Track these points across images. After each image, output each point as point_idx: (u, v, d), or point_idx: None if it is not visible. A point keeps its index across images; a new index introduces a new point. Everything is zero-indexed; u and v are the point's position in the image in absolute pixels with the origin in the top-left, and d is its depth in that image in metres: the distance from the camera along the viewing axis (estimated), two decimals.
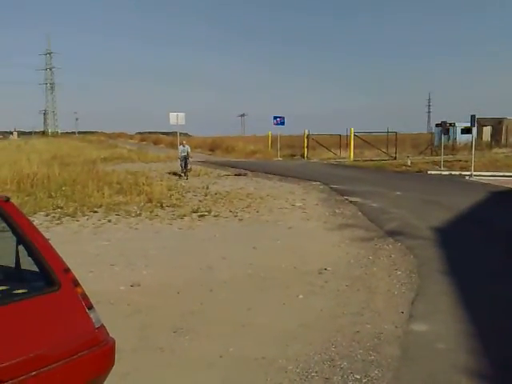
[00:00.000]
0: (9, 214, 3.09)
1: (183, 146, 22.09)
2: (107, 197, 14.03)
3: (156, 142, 62.52)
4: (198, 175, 21.79)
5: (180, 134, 33.69)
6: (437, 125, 39.52)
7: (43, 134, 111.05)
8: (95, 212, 12.21)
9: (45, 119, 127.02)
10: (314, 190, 17.01)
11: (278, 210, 12.82)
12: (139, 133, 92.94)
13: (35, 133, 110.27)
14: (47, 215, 11.62)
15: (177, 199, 14.36)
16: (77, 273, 3.19)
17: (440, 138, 32.01)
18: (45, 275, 3.00)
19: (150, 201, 13.69)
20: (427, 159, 30.70)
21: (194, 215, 11.95)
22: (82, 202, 13.32)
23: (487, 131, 42.53)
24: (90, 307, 3.05)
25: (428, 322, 5.39)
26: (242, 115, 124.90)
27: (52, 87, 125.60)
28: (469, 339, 4.90)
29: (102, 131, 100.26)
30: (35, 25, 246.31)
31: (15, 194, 13.22)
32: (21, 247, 3.14)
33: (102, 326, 3.07)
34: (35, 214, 11.48)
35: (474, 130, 23.71)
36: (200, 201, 14.28)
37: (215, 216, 11.93)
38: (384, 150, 35.07)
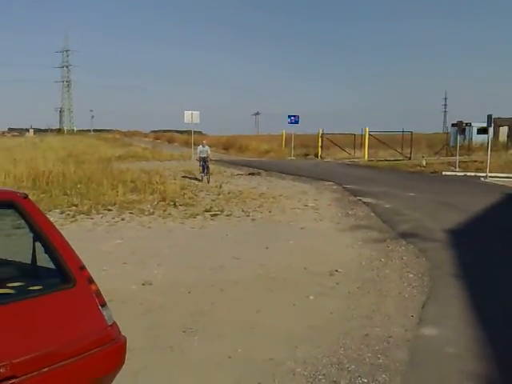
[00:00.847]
0: (27, 211, 3.14)
1: (203, 146, 19.97)
2: (121, 195, 14.15)
3: (170, 141, 62.79)
4: (212, 174, 21.84)
5: (194, 132, 33.91)
6: (453, 125, 39.17)
7: (59, 131, 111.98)
8: (109, 210, 12.33)
9: (61, 117, 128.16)
10: (327, 191, 16.98)
11: (290, 210, 12.82)
12: (153, 131, 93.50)
13: (51, 130, 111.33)
14: (62, 213, 11.76)
15: (190, 198, 14.44)
16: (89, 270, 3.24)
17: (456, 138, 31.73)
18: (60, 272, 3.05)
19: (164, 199, 13.79)
20: (442, 160, 30.43)
21: (207, 214, 12.01)
22: (97, 199, 13.44)
23: (504, 131, 41.99)
24: (104, 304, 3.09)
25: (438, 326, 5.37)
26: (256, 114, 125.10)
27: (68, 85, 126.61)
28: (479, 345, 4.87)
29: (117, 129, 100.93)
30: (53, 23, 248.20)
31: (31, 190, 13.39)
32: (37, 244, 3.19)
33: (114, 324, 3.12)
34: (50, 211, 11.61)
35: (491, 130, 23.43)
36: (213, 200, 14.34)
37: (227, 215, 11.97)
38: (399, 150, 34.85)
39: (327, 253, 8.58)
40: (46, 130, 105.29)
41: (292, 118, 37.01)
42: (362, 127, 35.90)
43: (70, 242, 3.28)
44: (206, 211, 12.36)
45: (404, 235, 9.91)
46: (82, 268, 3.13)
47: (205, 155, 19.52)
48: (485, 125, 24.14)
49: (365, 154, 33.97)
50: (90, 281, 3.14)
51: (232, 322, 5.42)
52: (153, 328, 5.20)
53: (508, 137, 41.72)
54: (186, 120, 31.19)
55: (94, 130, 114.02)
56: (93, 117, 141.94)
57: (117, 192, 14.47)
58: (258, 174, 22.39)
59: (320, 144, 36.11)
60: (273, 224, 11.15)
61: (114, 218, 11.41)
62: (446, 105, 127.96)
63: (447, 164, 26.97)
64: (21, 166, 18.79)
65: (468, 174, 23.21)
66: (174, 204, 13.27)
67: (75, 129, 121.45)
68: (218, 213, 12.21)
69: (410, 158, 32.19)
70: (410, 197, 15.56)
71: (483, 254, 8.64)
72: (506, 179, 20.63)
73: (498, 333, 5.21)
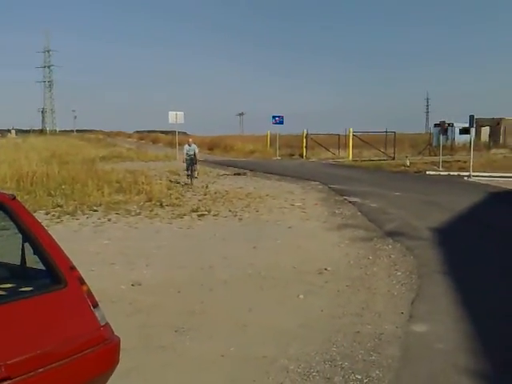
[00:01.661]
0: (15, 212, 3.10)
1: (189, 145, 18.50)
2: (107, 195, 14.04)
3: (155, 141, 62.55)
4: (197, 174, 21.78)
5: (179, 132, 33.81)
6: (435, 125, 39.65)
7: (41, 132, 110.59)
8: (95, 211, 12.22)
9: (43, 117, 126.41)
10: (313, 190, 17.05)
11: (277, 210, 12.85)
12: (138, 131, 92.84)
13: (33, 131, 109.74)
14: (47, 213, 11.63)
15: (176, 198, 14.38)
16: None
17: (438, 139, 32.17)
18: (51, 273, 3.02)
19: (150, 200, 13.71)
20: (426, 159, 30.76)
21: (194, 214, 11.97)
22: (82, 200, 13.32)
23: (485, 132, 42.65)
24: (96, 305, 3.07)
25: (428, 322, 5.42)
26: (241, 114, 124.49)
27: (50, 85, 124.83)
28: (468, 340, 4.93)
29: (101, 130, 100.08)
30: (34, 23, 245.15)
31: (15, 192, 13.11)
32: (27, 245, 3.15)
33: (107, 324, 3.09)
34: (35, 212, 11.45)
35: (473, 130, 23.76)
36: (199, 200, 14.30)
37: (215, 215, 11.95)
38: (382, 150, 35.16)
39: (315, 251, 8.61)
40: (28, 131, 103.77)
41: (276, 118, 37.10)
42: (346, 128, 36.17)
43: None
44: (193, 211, 12.32)
45: (391, 234, 9.99)
46: (73, 268, 3.11)
47: (192, 154, 18.26)
48: (467, 125, 24.49)
49: (349, 154, 34.20)
50: (81, 281, 3.11)
51: (223, 321, 5.41)
52: (144, 328, 5.17)
53: (490, 137, 42.40)
54: (170, 120, 31.05)
55: (77, 131, 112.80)
56: (75, 117, 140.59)
57: (102, 192, 14.36)
58: (244, 174, 22.42)
59: (305, 144, 36.27)
60: (260, 223, 11.16)
61: (100, 219, 11.32)
62: (428, 105, 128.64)
63: (430, 164, 27.27)
64: (4, 166, 18.53)
65: (451, 173, 23.50)
66: (161, 204, 13.21)
67: (58, 129, 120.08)
68: (205, 213, 12.18)
69: (393, 158, 32.48)
70: (396, 196, 15.70)
71: (469, 252, 8.75)
72: (489, 178, 20.92)
73: (486, 328, 5.28)
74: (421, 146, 38.04)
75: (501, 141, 41.98)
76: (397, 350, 4.68)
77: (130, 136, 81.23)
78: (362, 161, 31.79)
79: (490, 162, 26.83)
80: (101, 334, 3.02)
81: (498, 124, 43.06)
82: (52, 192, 14.46)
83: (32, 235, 3.10)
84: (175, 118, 30.83)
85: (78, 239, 9.16)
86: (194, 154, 18.29)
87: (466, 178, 21.41)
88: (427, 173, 23.97)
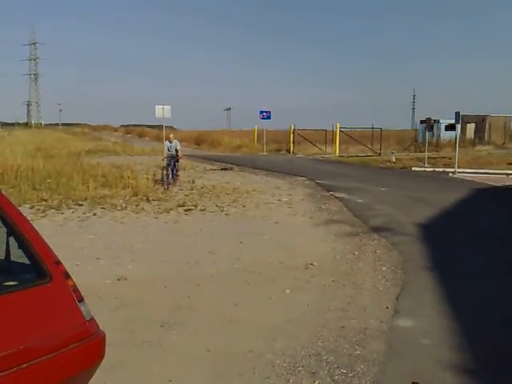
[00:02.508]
0: (0, 205, 3.06)
1: (170, 142, 16.46)
2: (92, 190, 13.92)
3: (141, 135, 62.12)
4: (184, 169, 21.64)
5: (165, 127, 33.59)
6: (421, 121, 39.96)
7: (26, 125, 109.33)
8: (80, 205, 12.12)
9: (28, 110, 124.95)
10: (300, 186, 17.07)
11: (264, 205, 12.85)
12: (124, 125, 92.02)
13: (18, 124, 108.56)
14: (32, 207, 11.51)
15: (162, 193, 14.31)
16: None
17: (424, 135, 32.37)
18: (36, 267, 2.99)
19: (136, 194, 13.62)
20: (411, 156, 30.98)
21: (180, 209, 11.93)
22: (67, 194, 13.21)
23: (471, 128, 43.06)
24: (81, 300, 3.04)
25: (413, 317, 5.47)
26: (228, 109, 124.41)
27: (36, 78, 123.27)
28: (452, 335, 4.99)
29: (86, 123, 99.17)
30: (19, 15, 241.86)
31: None
32: (11, 239, 3.11)
33: (93, 319, 3.08)
34: (19, 206, 11.33)
35: (458, 126, 23.93)
36: (186, 195, 14.25)
37: (201, 210, 11.92)
38: (369, 146, 35.29)
39: (301, 247, 8.64)
40: (13, 124, 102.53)
41: (264, 113, 37.03)
42: (332, 123, 36.21)
43: None
44: (180, 206, 12.28)
45: (376, 229, 10.05)
46: (58, 263, 3.08)
47: (173, 152, 16.31)
48: (453, 122, 24.65)
49: (336, 150, 34.28)
50: (67, 276, 3.08)
51: (210, 316, 5.41)
52: (129, 323, 5.15)
53: (475, 133, 42.79)
54: (157, 114, 30.69)
55: (63, 124, 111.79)
56: (61, 110, 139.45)
57: (88, 187, 14.23)
58: (231, 169, 22.35)
59: (292, 140, 36.28)
60: (247, 219, 11.16)
61: (85, 213, 11.23)
62: (414, 102, 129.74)
63: (416, 160, 27.46)
64: None
65: (437, 169, 23.68)
66: (147, 199, 13.13)
67: (43, 122, 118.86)
68: (192, 208, 12.14)
69: (379, 154, 32.64)
70: (381, 192, 15.79)
71: (453, 247, 8.83)
72: (474, 174, 21.14)
73: (470, 322, 5.35)
74: (407, 142, 38.30)
75: (486, 138, 42.44)
76: (382, 344, 4.72)
77: (116, 130, 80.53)
78: (348, 156, 31.89)
79: (475, 159, 27.10)
80: (86, 328, 3.00)
81: (483, 121, 43.50)
82: (37, 186, 14.31)
83: (17, 229, 3.06)
84: (162, 112, 30.55)
85: (63, 234, 9.09)
86: (176, 152, 16.40)
87: (451, 175, 21.61)
88: (413, 169, 24.13)
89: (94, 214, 11.15)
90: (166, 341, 4.75)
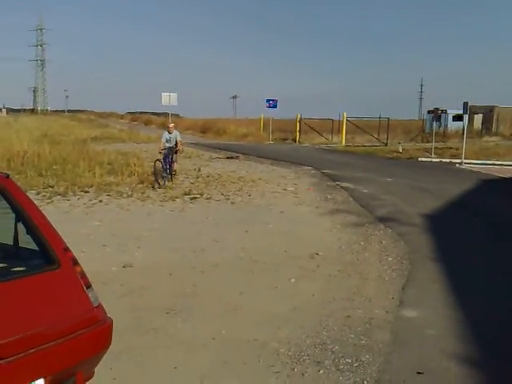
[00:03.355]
0: (9, 191, 3.06)
1: (169, 133, 14.41)
2: (98, 177, 13.95)
3: (147, 123, 62.01)
4: (190, 157, 21.64)
5: (171, 114, 33.55)
6: (429, 111, 39.65)
7: (32, 111, 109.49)
8: (86, 192, 12.15)
9: (34, 96, 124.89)
10: (306, 175, 17.03)
11: (269, 194, 12.84)
12: (130, 113, 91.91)
13: (24, 110, 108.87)
14: (38, 194, 11.54)
15: (168, 181, 14.29)
16: None
17: (431, 125, 32.12)
18: (44, 253, 2.99)
19: (142, 182, 13.64)
20: (418, 146, 30.78)
21: (186, 197, 11.93)
22: (73, 181, 13.23)
23: (478, 119, 42.73)
24: (89, 286, 3.05)
25: (418, 308, 5.47)
26: (234, 97, 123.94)
27: (42, 64, 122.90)
28: (457, 325, 4.99)
29: (92, 110, 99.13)
30: (27, 1, 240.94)
31: (5, 171, 13.06)
32: (20, 225, 3.11)
33: (100, 306, 3.08)
34: (26, 192, 11.36)
35: (466, 117, 23.73)
36: (192, 183, 14.24)
37: (207, 199, 11.92)
38: (376, 136, 35.08)
39: (307, 236, 8.63)
40: (19, 110, 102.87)
41: (270, 102, 36.79)
42: (339, 112, 36.00)
43: None
44: (186, 194, 12.28)
45: (382, 219, 10.02)
46: (66, 249, 3.08)
47: (171, 145, 14.32)
48: (460, 112, 24.43)
49: (342, 140, 34.13)
50: (75, 262, 3.09)
51: (215, 304, 5.43)
52: (135, 310, 5.17)
53: (482, 124, 42.49)
54: (163, 102, 30.79)
55: (69, 111, 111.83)
56: (67, 97, 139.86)
57: (94, 174, 14.26)
58: (237, 157, 22.29)
59: (298, 129, 36.09)
60: (252, 207, 11.15)
61: (91, 200, 11.25)
62: (422, 92, 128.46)
63: (423, 150, 27.29)
64: None
65: (443, 160, 23.54)
66: (153, 187, 13.15)
67: (49, 109, 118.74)
68: (198, 196, 12.14)
69: (386, 144, 32.46)
70: (388, 182, 15.73)
71: (459, 238, 8.81)
72: (481, 166, 21.01)
73: (476, 313, 5.34)
74: (414, 132, 38.03)
75: (493, 128, 42.11)
76: (387, 334, 4.72)
77: (122, 117, 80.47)
78: (354, 146, 31.74)
79: (483, 150, 26.91)
80: (94, 315, 3.00)
81: (491, 111, 43.15)
82: (43, 172, 14.37)
83: (25, 215, 3.06)
84: (168, 99, 30.59)
85: (68, 220, 9.11)
86: (176, 144, 14.50)
87: (457, 165, 21.48)
88: (419, 159, 24.00)
89: (100, 201, 11.17)
90: (171, 328, 4.77)
